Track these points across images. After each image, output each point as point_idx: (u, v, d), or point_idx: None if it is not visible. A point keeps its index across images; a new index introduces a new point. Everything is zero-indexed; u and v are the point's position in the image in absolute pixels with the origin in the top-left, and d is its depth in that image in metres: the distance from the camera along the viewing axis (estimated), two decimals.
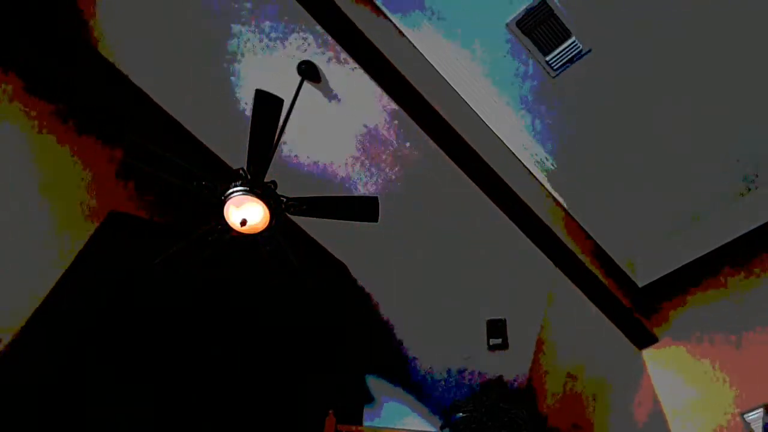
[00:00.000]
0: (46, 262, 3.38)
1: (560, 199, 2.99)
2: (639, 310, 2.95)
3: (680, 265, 2.97)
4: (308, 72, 3.34)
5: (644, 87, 2.65)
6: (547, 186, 2.96)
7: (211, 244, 2.94)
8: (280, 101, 2.52)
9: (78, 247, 3.55)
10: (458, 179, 2.91)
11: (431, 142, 2.69)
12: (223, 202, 2.73)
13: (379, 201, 2.84)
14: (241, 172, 2.75)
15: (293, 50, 3.30)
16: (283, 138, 3.39)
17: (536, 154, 2.95)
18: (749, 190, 2.83)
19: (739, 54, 2.47)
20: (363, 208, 2.88)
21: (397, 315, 5.10)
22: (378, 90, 2.92)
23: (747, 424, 2.25)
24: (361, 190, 4.02)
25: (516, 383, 4.84)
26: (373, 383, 5.66)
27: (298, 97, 3.33)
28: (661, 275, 3.04)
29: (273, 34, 3.28)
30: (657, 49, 2.52)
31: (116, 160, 3.96)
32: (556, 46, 2.59)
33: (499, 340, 4.75)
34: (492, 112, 2.83)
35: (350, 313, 5.06)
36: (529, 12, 2.51)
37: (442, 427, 4.74)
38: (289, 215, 2.95)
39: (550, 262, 2.96)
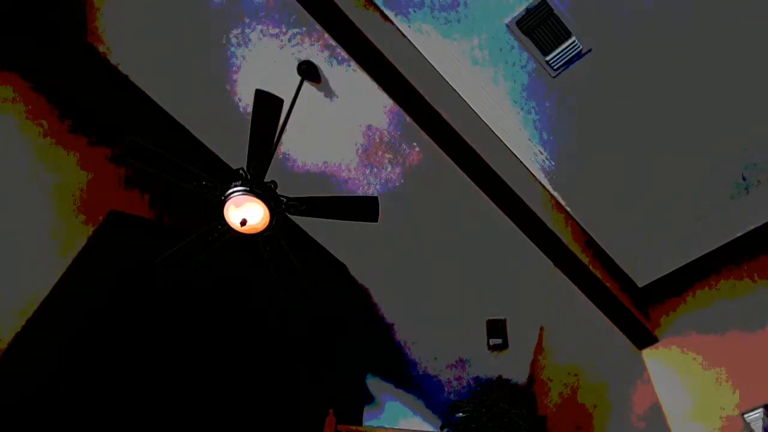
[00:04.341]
0: (46, 262, 3.38)
1: (560, 200, 2.99)
2: (639, 310, 2.95)
3: (680, 265, 2.97)
4: (308, 72, 3.34)
5: (644, 87, 2.65)
6: (548, 186, 2.96)
7: (211, 244, 2.94)
8: (280, 101, 2.52)
9: (78, 247, 3.55)
10: (458, 179, 2.91)
11: (431, 142, 2.69)
12: (223, 202, 2.73)
13: (379, 201, 2.84)
14: (241, 172, 2.75)
15: (293, 50, 3.30)
16: (283, 138, 3.39)
17: (536, 154, 2.95)
18: (749, 190, 2.83)
19: (739, 54, 2.47)
20: (363, 208, 2.88)
21: (397, 315, 5.10)
22: (378, 90, 2.91)
23: (747, 424, 2.25)
24: (361, 190, 4.02)
25: (516, 383, 4.84)
26: (373, 383, 5.66)
27: (298, 97, 3.33)
28: (661, 275, 3.04)
29: (273, 34, 3.28)
30: (657, 49, 2.52)
31: (116, 160, 3.96)
32: (556, 46, 2.59)
33: (499, 340, 4.75)
34: (492, 111, 2.83)
35: (350, 314, 5.06)
36: (529, 12, 2.51)
37: (442, 427, 4.74)
38: (289, 215, 2.95)
39: (550, 262, 2.96)
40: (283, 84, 3.31)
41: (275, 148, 3.03)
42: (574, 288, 2.97)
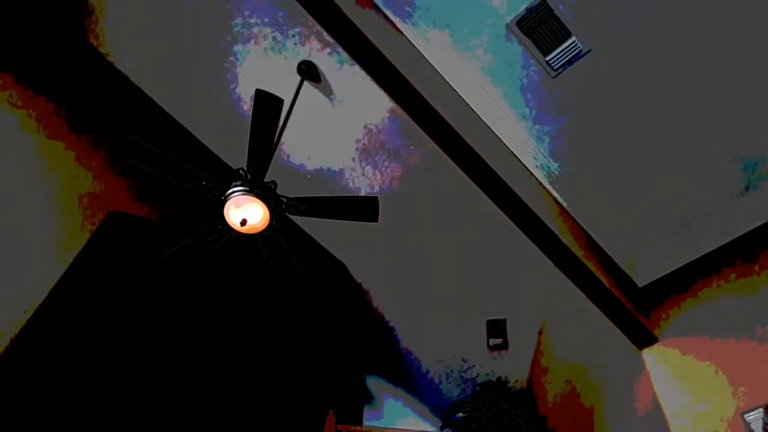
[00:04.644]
0: (45, 262, 3.38)
1: (560, 199, 2.99)
2: (639, 310, 2.95)
3: (680, 265, 2.97)
4: (308, 72, 3.34)
5: (644, 87, 2.65)
6: (547, 186, 2.96)
7: (211, 244, 2.94)
8: (280, 101, 2.52)
9: (78, 247, 3.55)
10: (458, 179, 2.91)
11: (431, 142, 2.69)
12: (223, 202, 2.73)
13: (379, 201, 2.84)
14: (241, 172, 2.75)
15: (293, 50, 3.30)
16: (283, 138, 3.40)
17: (536, 154, 2.95)
18: (749, 190, 2.83)
19: (739, 54, 2.47)
20: (363, 208, 2.88)
21: (397, 315, 5.10)
22: (378, 90, 2.92)
23: (747, 424, 2.25)
24: (361, 190, 4.02)
25: (516, 383, 4.84)
26: (373, 383, 5.66)
27: (298, 97, 3.33)
28: (661, 275, 3.04)
29: (273, 34, 3.28)
30: (657, 49, 2.52)
31: (116, 160, 3.95)
32: (556, 46, 2.59)
33: (499, 340, 4.75)
34: (492, 112, 2.83)
35: (350, 314, 5.06)
36: (529, 12, 2.51)
37: (442, 427, 4.74)
38: (289, 215, 2.95)
39: (550, 262, 2.96)
40: (283, 84, 3.31)
41: (275, 148, 3.03)
42: (574, 288, 2.97)
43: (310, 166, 4.00)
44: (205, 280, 3.93)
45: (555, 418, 3.96)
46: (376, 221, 2.90)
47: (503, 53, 2.70)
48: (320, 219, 2.99)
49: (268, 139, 2.63)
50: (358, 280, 4.92)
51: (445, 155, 2.69)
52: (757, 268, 2.66)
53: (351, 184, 4.02)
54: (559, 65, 2.64)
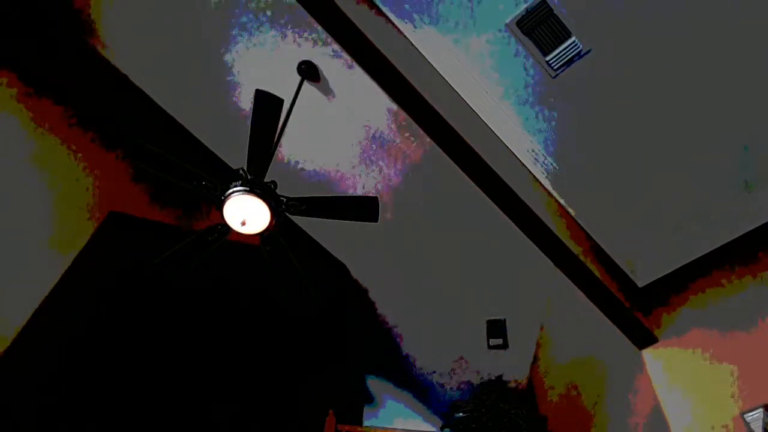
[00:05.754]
0: (46, 262, 3.39)
1: (560, 199, 2.98)
2: (639, 310, 2.95)
3: (680, 265, 2.97)
4: (308, 72, 3.34)
5: (644, 87, 2.65)
6: (547, 186, 2.96)
7: (211, 245, 2.94)
8: (280, 101, 2.52)
9: (78, 247, 3.56)
10: (458, 179, 2.91)
11: (431, 142, 2.69)
12: (223, 202, 2.73)
13: (379, 201, 2.84)
14: (241, 172, 2.76)
15: (293, 50, 3.30)
16: (283, 138, 3.40)
17: (536, 154, 2.95)
18: (749, 190, 2.83)
19: (739, 54, 2.47)
20: (363, 208, 2.88)
21: (397, 315, 5.10)
22: (378, 90, 2.92)
23: (747, 424, 2.25)
24: (361, 190, 4.02)
25: (516, 383, 4.84)
26: (373, 383, 5.66)
27: (298, 97, 3.33)
28: (661, 275, 3.03)
29: (273, 34, 3.28)
30: (657, 49, 2.52)
31: (116, 160, 3.96)
32: (556, 46, 2.59)
33: (499, 340, 4.74)
34: (492, 112, 2.83)
35: (350, 314, 5.06)
36: (529, 12, 2.51)
37: (442, 427, 4.74)
38: (289, 215, 2.95)
39: (550, 262, 2.96)
40: (283, 84, 3.31)
41: (275, 148, 3.03)
42: (574, 288, 2.97)
43: (310, 166, 4.00)
44: (206, 280, 3.93)
45: (555, 418, 3.96)
46: (376, 221, 2.90)
47: (503, 53, 2.70)
48: (320, 219, 2.99)
49: (268, 139, 2.63)
50: (358, 280, 4.92)
51: (445, 155, 2.69)
52: (756, 267, 2.66)
53: (351, 184, 4.02)
54: (559, 65, 2.64)
